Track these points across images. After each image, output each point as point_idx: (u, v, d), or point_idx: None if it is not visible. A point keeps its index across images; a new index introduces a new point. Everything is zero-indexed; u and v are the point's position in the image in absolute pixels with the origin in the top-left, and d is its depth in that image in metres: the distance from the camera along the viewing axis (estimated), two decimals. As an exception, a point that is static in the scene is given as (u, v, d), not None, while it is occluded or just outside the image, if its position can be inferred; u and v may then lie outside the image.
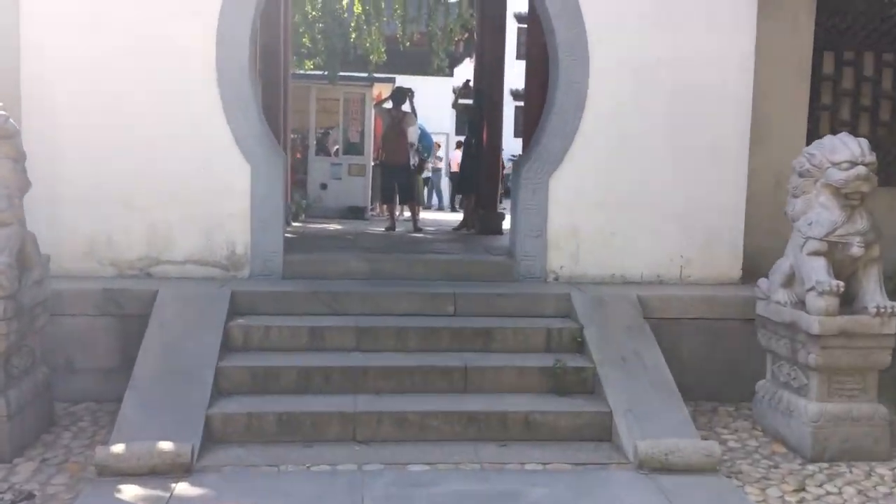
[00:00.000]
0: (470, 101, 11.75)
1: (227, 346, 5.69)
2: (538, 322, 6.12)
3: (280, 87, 10.73)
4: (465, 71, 28.20)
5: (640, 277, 6.90)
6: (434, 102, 25.79)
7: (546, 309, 6.32)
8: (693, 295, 6.44)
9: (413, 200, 12.06)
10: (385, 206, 16.46)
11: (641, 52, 6.77)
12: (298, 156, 17.83)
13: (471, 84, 11.46)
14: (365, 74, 16.48)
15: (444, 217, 17.83)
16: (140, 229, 6.51)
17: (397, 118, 11.02)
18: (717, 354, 6.37)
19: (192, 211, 6.54)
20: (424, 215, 17.68)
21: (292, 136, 20.50)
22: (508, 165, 25.33)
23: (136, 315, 5.85)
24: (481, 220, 10.82)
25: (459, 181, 11.37)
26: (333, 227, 11.75)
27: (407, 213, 16.04)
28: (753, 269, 6.90)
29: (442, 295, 6.28)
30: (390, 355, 5.76)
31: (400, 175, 11.23)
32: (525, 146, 8.34)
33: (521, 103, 33.54)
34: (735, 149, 6.91)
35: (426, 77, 25.01)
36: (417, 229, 11.10)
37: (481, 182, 11.00)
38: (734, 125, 6.90)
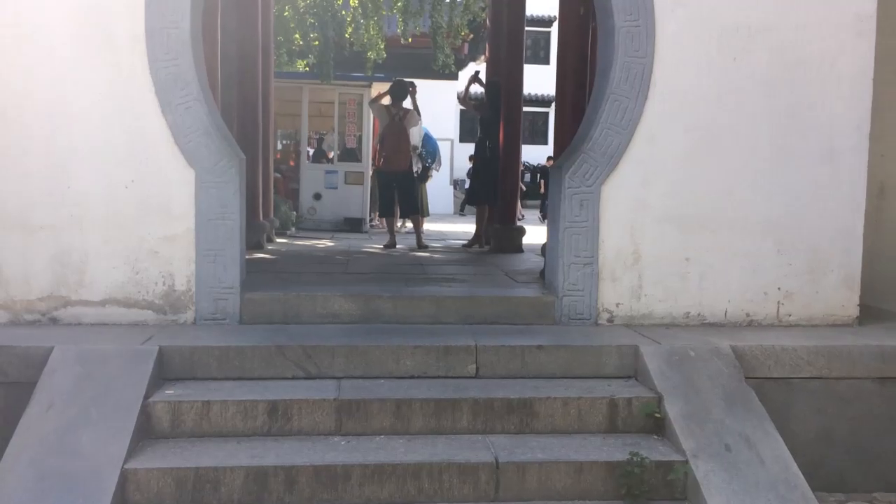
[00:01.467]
0: (478, 93, 9.79)
1: (146, 432, 3.79)
2: (595, 387, 4.21)
3: (258, 86, 8.83)
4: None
5: (723, 317, 4.99)
6: (437, 108, 23.97)
7: (604, 366, 4.41)
8: (806, 346, 4.51)
9: (416, 213, 10.17)
10: (384, 220, 14.63)
11: (727, 16, 4.88)
12: (292, 163, 16.01)
13: (481, 76, 9.50)
14: (362, 74, 14.58)
15: (449, 228, 15.92)
16: (43, 259, 4.61)
17: (397, 116, 9.11)
18: (842, 428, 4.47)
19: (115, 234, 4.65)
20: (427, 226, 15.85)
21: (285, 142, 18.73)
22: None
23: (26, 383, 3.96)
24: (497, 235, 8.91)
25: (471, 190, 9.45)
26: (324, 244, 9.84)
27: (409, 225, 14.19)
28: (867, 303, 5.04)
29: (459, 348, 4.37)
30: (386, 443, 3.85)
31: (401, 183, 9.30)
32: (557, 155, 6.40)
33: (535, 109, 31.54)
34: (850, 147, 5.00)
35: (428, 80, 23.27)
36: (422, 246, 9.19)
37: (496, 191, 9.08)
38: (849, 114, 4.99)
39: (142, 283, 4.68)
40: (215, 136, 4.69)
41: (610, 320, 4.95)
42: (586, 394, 4.10)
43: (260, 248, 8.44)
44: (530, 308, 4.98)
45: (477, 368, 4.34)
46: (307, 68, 15.23)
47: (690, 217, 4.94)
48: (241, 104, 8.67)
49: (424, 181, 14.12)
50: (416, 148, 12.78)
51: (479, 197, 9.42)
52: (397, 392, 4.06)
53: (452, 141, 23.86)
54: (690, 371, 4.21)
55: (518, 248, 8.84)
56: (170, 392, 3.96)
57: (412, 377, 4.28)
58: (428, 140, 14.72)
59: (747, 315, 5.00)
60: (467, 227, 17.00)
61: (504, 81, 8.84)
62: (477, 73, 9.54)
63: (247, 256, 7.77)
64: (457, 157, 24.46)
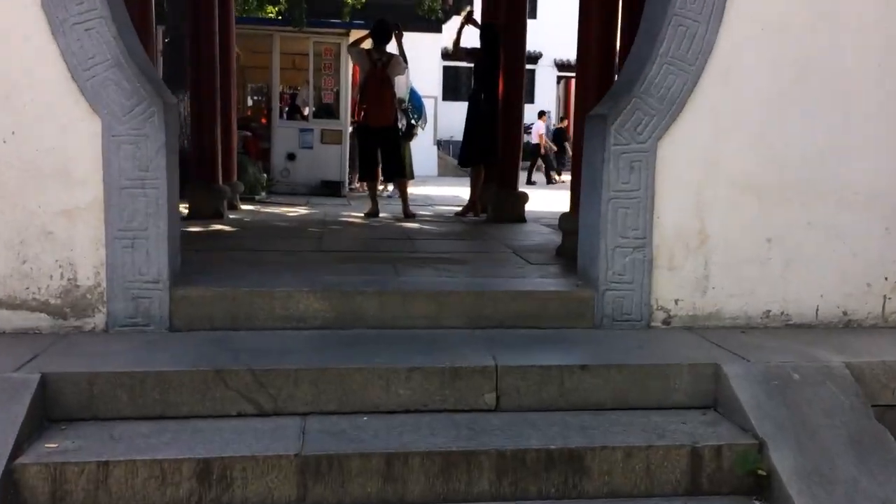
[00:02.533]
0: (470, 39, 8.37)
1: (12, 513, 2.48)
2: (666, 427, 2.93)
3: (214, 29, 7.34)
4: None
5: (813, 316, 3.72)
6: (421, 63, 22.40)
7: (672, 392, 3.13)
8: (942, 360, 3.27)
9: (402, 176, 8.82)
10: (365, 184, 13.22)
11: None
12: (264, 121, 14.51)
13: (475, 17, 8.09)
14: (339, 21, 13.05)
15: (435, 192, 14.55)
16: None
17: (380, 62, 7.68)
18: None
19: (-11, 207, 3.28)
20: (411, 189, 14.46)
21: (256, 98, 17.14)
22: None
23: None
24: (496, 202, 7.58)
25: (464, 149, 8.08)
26: (296, 211, 8.46)
27: (391, 188, 12.84)
28: None
29: (472, 370, 3.05)
30: (372, 520, 2.58)
31: (385, 140, 7.90)
32: (577, 126, 5.03)
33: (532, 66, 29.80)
34: None
35: (411, 32, 21.67)
36: (409, 215, 7.85)
37: (494, 150, 7.73)
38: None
39: (31, 276, 3.31)
40: (130, 71, 3.30)
41: (666, 321, 3.67)
42: (657, 440, 2.82)
43: (219, 217, 7.06)
44: (561, 306, 3.67)
45: (497, 398, 3.04)
46: (279, 16, 13.69)
47: (774, 185, 3.65)
48: (195, 50, 7.22)
49: (409, 140, 12.70)
50: (401, 101, 11.35)
51: (474, 157, 8.05)
52: (388, 439, 2.76)
53: (436, 98, 22.33)
54: (798, 402, 2.95)
55: (520, 217, 7.52)
56: (52, 446, 2.64)
57: (407, 411, 2.98)
58: (413, 95, 13.24)
59: (844, 313, 3.74)
60: (454, 191, 15.63)
61: (504, 20, 7.42)
62: (470, 12, 8.17)
63: (201, 229, 6.52)
64: (441, 115, 22.97)
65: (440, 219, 7.90)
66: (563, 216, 5.29)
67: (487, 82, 7.79)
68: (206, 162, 7.17)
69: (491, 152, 7.77)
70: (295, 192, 11.87)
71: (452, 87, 28.31)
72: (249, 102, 15.64)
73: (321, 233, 6.36)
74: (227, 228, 6.44)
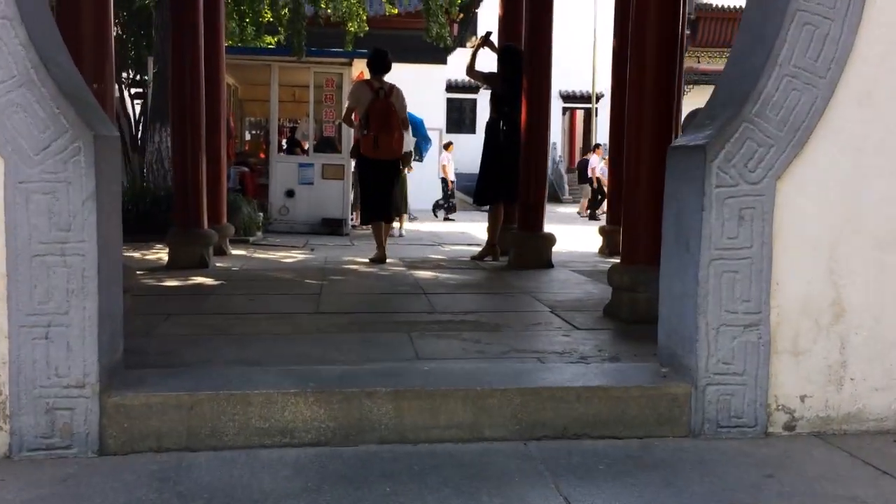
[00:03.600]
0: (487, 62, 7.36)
1: None
2: None
3: (198, 56, 6.40)
4: (461, 60, 24.08)
5: None
6: (425, 96, 21.58)
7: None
8: None
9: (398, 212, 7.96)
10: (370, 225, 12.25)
11: None
12: (262, 155, 13.59)
13: (493, 38, 7.16)
14: (341, 50, 12.15)
15: (443, 228, 13.56)
16: None
17: (382, 91, 6.75)
18: None
19: None
20: (416, 226, 13.46)
21: (254, 132, 16.23)
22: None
23: None
24: (518, 245, 6.58)
25: (481, 185, 7.05)
26: (293, 256, 7.44)
27: (396, 227, 11.88)
28: None
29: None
30: None
31: (392, 175, 7.01)
32: (616, 155, 3.93)
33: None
34: None
35: (415, 64, 20.85)
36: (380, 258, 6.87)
37: (515, 185, 6.73)
38: None
39: None
40: (45, 91, 2.30)
41: (789, 426, 2.63)
42: None
43: (203, 266, 6.05)
44: (644, 406, 2.62)
45: (579, 570, 2.00)
46: (278, 46, 12.82)
47: (935, 237, 2.63)
48: (178, 80, 6.29)
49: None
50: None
51: (493, 194, 7.06)
52: None
53: (441, 131, 21.45)
54: None
55: (546, 262, 6.51)
56: None
57: None
58: (420, 126, 12.27)
59: None
60: (462, 227, 14.61)
61: (528, 39, 6.48)
62: (488, 34, 7.18)
63: (178, 283, 5.32)
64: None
65: (455, 264, 6.88)
66: (615, 270, 4.27)
67: (507, 111, 6.83)
68: (188, 204, 6.18)
69: (513, 189, 6.79)
70: (294, 231, 10.90)
71: (456, 119, 27.51)
72: (247, 136, 14.77)
73: (320, 286, 5.33)
74: (208, 282, 5.42)
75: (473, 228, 14.06)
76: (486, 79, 7.20)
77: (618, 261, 5.16)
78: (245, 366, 3.07)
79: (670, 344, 2.80)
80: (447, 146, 19.51)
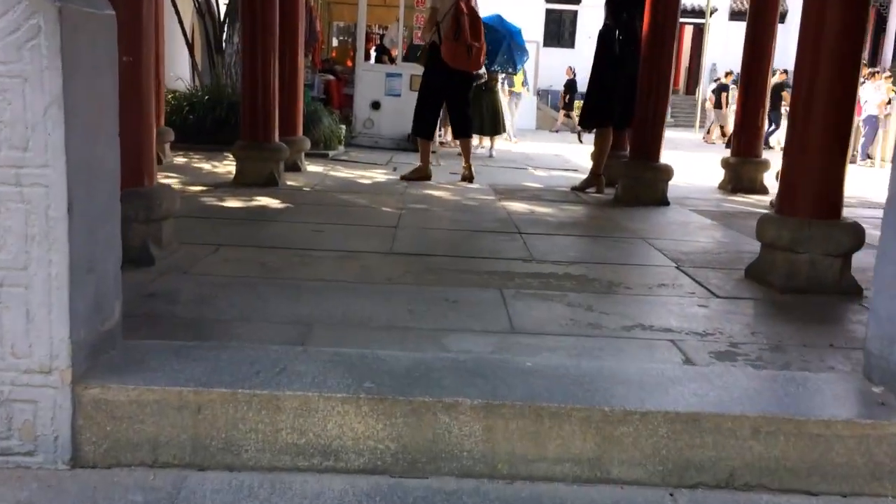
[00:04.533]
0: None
1: None
2: None
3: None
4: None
5: None
6: (522, 7, 20.14)
7: None
8: None
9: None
10: (458, 140, 11.36)
11: None
12: (349, 63, 12.79)
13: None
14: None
15: (535, 149, 12.53)
16: None
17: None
18: None
19: None
20: (507, 146, 12.48)
21: (341, 38, 15.33)
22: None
23: None
24: (629, 177, 5.60)
25: (590, 105, 6.02)
26: (373, 176, 6.67)
27: (486, 144, 11.08)
28: None
29: None
30: None
31: (466, 90, 6.43)
32: None
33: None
34: None
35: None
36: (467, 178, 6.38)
37: (631, 109, 5.72)
38: None
39: None
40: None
41: None
42: None
43: (272, 184, 5.37)
44: (852, 450, 1.75)
45: None
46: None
47: None
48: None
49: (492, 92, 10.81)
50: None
51: (603, 116, 6.05)
52: None
53: (538, 44, 20.06)
54: None
55: (661, 198, 5.54)
56: None
57: None
58: (515, 36, 11.11)
59: None
60: (555, 148, 13.49)
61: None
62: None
63: (240, 204, 4.54)
64: (542, 63, 20.66)
65: (553, 195, 5.97)
66: (768, 222, 3.30)
67: (626, 18, 5.75)
68: (258, 115, 5.45)
69: (627, 111, 5.77)
70: (378, 146, 10.13)
71: (555, 32, 25.84)
72: (335, 43, 13.93)
73: (398, 215, 4.56)
74: (274, 204, 4.72)
75: (567, 150, 13.00)
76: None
77: (749, 201, 4.17)
78: (292, 327, 2.34)
79: (888, 354, 1.89)
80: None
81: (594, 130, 6.28)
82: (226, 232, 3.82)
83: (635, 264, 3.68)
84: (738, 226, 4.78)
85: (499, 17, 11.05)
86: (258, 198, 4.89)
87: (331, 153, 8.30)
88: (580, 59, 25.90)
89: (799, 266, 3.16)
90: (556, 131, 19.96)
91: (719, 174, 7.03)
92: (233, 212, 4.43)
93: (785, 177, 3.31)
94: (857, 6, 3.10)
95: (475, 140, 11.29)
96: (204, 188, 5.20)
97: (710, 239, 4.35)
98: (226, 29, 9.10)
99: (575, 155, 12.08)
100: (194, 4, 10.09)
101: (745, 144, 6.67)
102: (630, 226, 4.64)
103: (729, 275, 3.46)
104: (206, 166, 6.57)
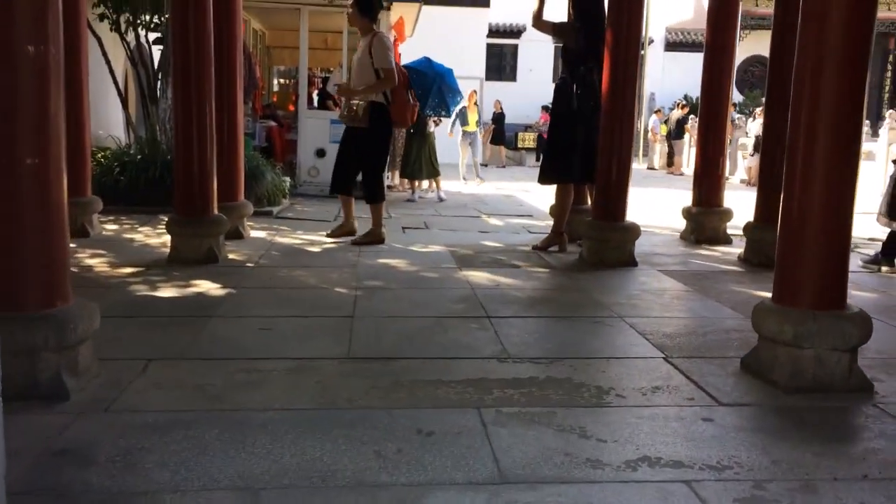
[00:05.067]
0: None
1: None
2: None
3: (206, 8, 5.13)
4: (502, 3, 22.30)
5: None
6: (465, 41, 20.01)
7: None
8: None
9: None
10: (406, 181, 10.98)
11: None
12: (291, 107, 12.37)
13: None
14: (379, -7, 10.69)
15: (486, 189, 12.22)
16: None
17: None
18: None
19: None
20: (454, 186, 12.10)
21: (282, 81, 14.87)
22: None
23: None
24: (595, 238, 5.29)
25: (549, 160, 5.66)
26: (321, 241, 6.20)
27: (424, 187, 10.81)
28: None
29: None
30: None
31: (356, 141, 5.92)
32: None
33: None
34: None
35: (454, 7, 19.27)
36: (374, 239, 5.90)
37: (592, 163, 5.44)
38: None
39: None
40: None
41: None
42: None
43: (212, 260, 4.89)
44: None
45: None
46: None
47: None
48: (181, 29, 5.01)
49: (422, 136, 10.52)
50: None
51: (561, 173, 5.75)
52: None
53: (481, 80, 19.92)
54: None
55: (628, 258, 5.25)
56: None
57: None
58: (447, 76, 10.66)
59: None
60: (506, 187, 13.13)
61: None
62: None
63: (173, 293, 4.02)
64: (485, 96, 20.52)
65: (515, 256, 5.60)
66: (766, 312, 2.98)
67: (583, 71, 5.47)
68: (193, 186, 4.97)
69: (587, 167, 5.49)
70: (324, 195, 9.66)
71: (497, 66, 25.85)
72: (275, 87, 13.45)
73: (353, 298, 4.12)
74: (212, 290, 4.23)
75: (517, 189, 12.77)
76: (557, 31, 5.80)
77: (715, 255, 3.89)
78: (236, 497, 1.90)
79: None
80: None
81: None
82: (157, 339, 3.33)
83: (621, 357, 3.33)
84: (716, 293, 4.49)
85: (426, 60, 10.68)
86: (196, 281, 4.41)
87: (275, 210, 7.83)
88: (522, 92, 25.99)
89: (804, 363, 2.85)
90: (503, 166, 19.83)
91: (675, 209, 6.80)
92: (166, 305, 3.94)
93: (783, 262, 3.00)
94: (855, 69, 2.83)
95: (426, 184, 10.93)
96: (134, 270, 4.68)
97: (690, 314, 4.05)
98: (160, 79, 8.57)
99: (526, 195, 11.85)
100: (126, 52, 9.54)
101: (706, 193, 6.46)
102: (604, 299, 4.30)
103: (724, 367, 3.13)
104: (139, 237, 6.03)
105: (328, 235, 6.13)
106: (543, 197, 10.93)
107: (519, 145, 24.59)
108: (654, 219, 7.77)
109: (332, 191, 6.16)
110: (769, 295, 3.07)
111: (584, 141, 5.52)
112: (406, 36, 11.03)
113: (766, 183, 5.47)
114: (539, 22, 5.79)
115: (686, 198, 6.99)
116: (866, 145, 10.04)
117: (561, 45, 5.83)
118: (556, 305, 4.25)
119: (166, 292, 4.17)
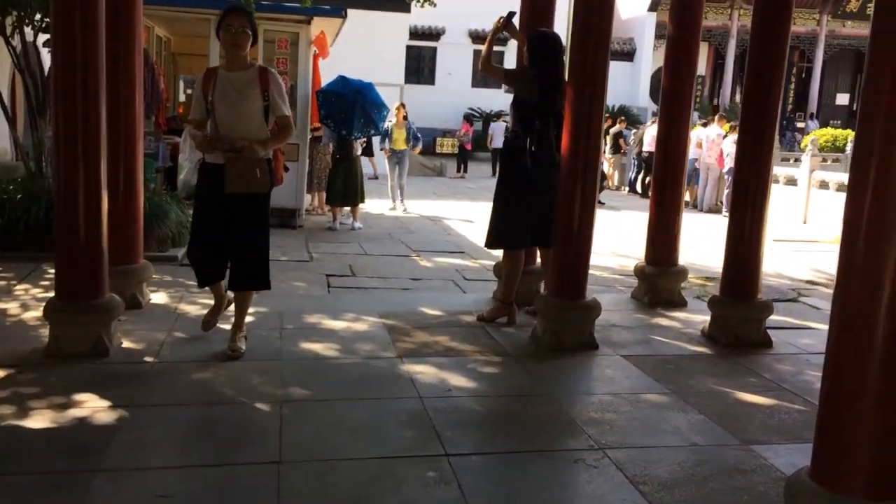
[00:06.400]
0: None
1: None
2: None
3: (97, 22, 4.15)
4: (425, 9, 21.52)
5: None
6: (384, 46, 19.12)
7: None
8: None
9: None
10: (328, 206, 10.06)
11: None
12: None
13: (515, 18, 5.05)
14: (297, 5, 9.75)
15: (405, 215, 11.45)
16: None
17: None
18: None
19: None
20: (380, 210, 11.20)
21: (188, 91, 13.60)
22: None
23: None
24: (552, 317, 4.64)
25: (498, 224, 4.96)
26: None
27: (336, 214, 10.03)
28: None
29: None
30: None
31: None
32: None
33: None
34: None
35: (373, 12, 18.43)
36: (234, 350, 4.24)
37: (547, 228, 4.80)
38: None
39: None
40: None
41: None
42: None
43: (101, 353, 3.97)
44: None
45: None
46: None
47: None
48: (65, 36, 4.02)
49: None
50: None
51: (511, 238, 5.07)
52: None
53: (401, 87, 19.12)
54: None
55: (588, 340, 4.63)
56: None
57: None
58: (369, 91, 9.79)
59: None
60: (431, 207, 12.28)
61: (581, 18, 4.43)
62: (511, 14, 5.05)
63: (46, 419, 3.06)
64: (405, 100, 19.77)
65: (461, 335, 4.85)
66: (800, 494, 2.37)
67: (538, 125, 4.80)
68: (77, 254, 4.02)
69: (545, 231, 4.85)
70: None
71: (415, 69, 25.08)
72: (182, 97, 12.22)
73: (277, 429, 3.30)
74: (98, 412, 3.32)
75: (443, 211, 12.12)
76: (510, 79, 5.11)
77: (676, 325, 3.35)
78: None
79: None
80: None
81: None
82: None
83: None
84: (695, 396, 3.92)
85: (342, 79, 9.78)
86: (78, 396, 3.49)
87: (180, 253, 6.84)
88: (440, 94, 25.30)
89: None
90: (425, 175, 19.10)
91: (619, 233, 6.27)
92: (30, 446, 3.01)
93: (825, 435, 2.40)
94: None
95: (345, 210, 10.07)
96: None
97: (679, 439, 3.43)
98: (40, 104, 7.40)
99: (453, 221, 11.22)
100: (12, 58, 8.23)
101: (661, 251, 5.93)
102: (574, 413, 3.64)
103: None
104: (13, 306, 4.98)
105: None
106: (470, 225, 10.30)
107: (438, 150, 23.91)
108: (597, 245, 7.21)
109: (205, 283, 4.41)
110: (755, 399, 2.49)
111: (538, 202, 4.86)
112: (329, 52, 10.12)
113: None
114: (488, 67, 5.07)
115: (621, 219, 6.45)
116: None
117: (511, 93, 5.13)
118: (523, 426, 3.55)
119: (35, 419, 3.24)
